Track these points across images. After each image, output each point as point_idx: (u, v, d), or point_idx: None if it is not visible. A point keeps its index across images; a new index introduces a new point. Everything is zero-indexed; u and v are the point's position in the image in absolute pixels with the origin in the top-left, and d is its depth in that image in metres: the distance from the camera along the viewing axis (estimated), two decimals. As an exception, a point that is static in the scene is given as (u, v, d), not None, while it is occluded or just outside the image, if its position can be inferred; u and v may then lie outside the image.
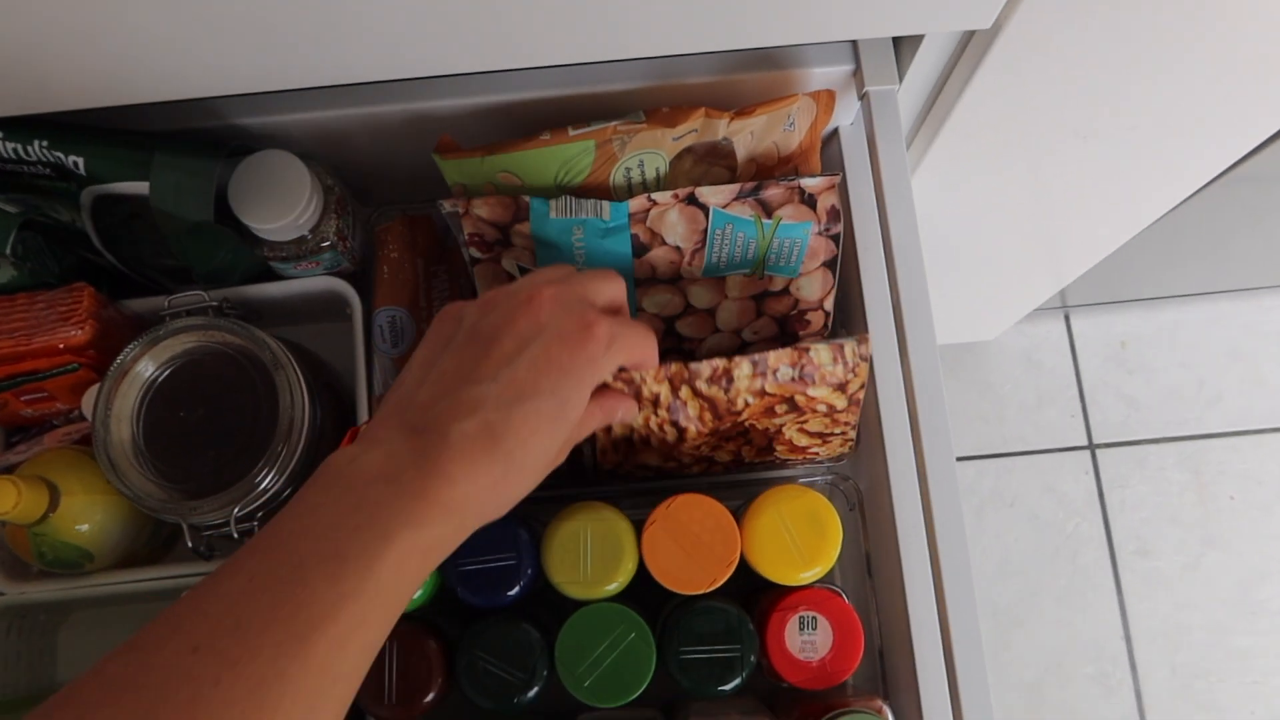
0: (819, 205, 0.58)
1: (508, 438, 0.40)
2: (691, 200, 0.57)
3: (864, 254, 0.61)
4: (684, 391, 0.53)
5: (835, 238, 0.59)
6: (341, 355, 0.67)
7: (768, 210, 0.57)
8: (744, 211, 0.57)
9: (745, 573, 0.54)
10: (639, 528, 0.53)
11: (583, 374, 0.43)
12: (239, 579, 0.35)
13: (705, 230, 0.57)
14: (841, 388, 0.54)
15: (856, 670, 0.58)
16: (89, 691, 0.32)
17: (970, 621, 0.55)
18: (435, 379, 0.43)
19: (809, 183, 0.57)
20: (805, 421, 0.56)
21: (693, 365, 0.52)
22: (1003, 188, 0.78)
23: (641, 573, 0.52)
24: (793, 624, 0.52)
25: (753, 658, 0.51)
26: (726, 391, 0.53)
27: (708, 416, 0.54)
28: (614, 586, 0.51)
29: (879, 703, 0.54)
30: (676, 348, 0.57)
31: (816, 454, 0.59)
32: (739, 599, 0.60)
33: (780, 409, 0.54)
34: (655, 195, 0.56)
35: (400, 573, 0.37)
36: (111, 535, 0.58)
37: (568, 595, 0.51)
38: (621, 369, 0.51)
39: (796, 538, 0.51)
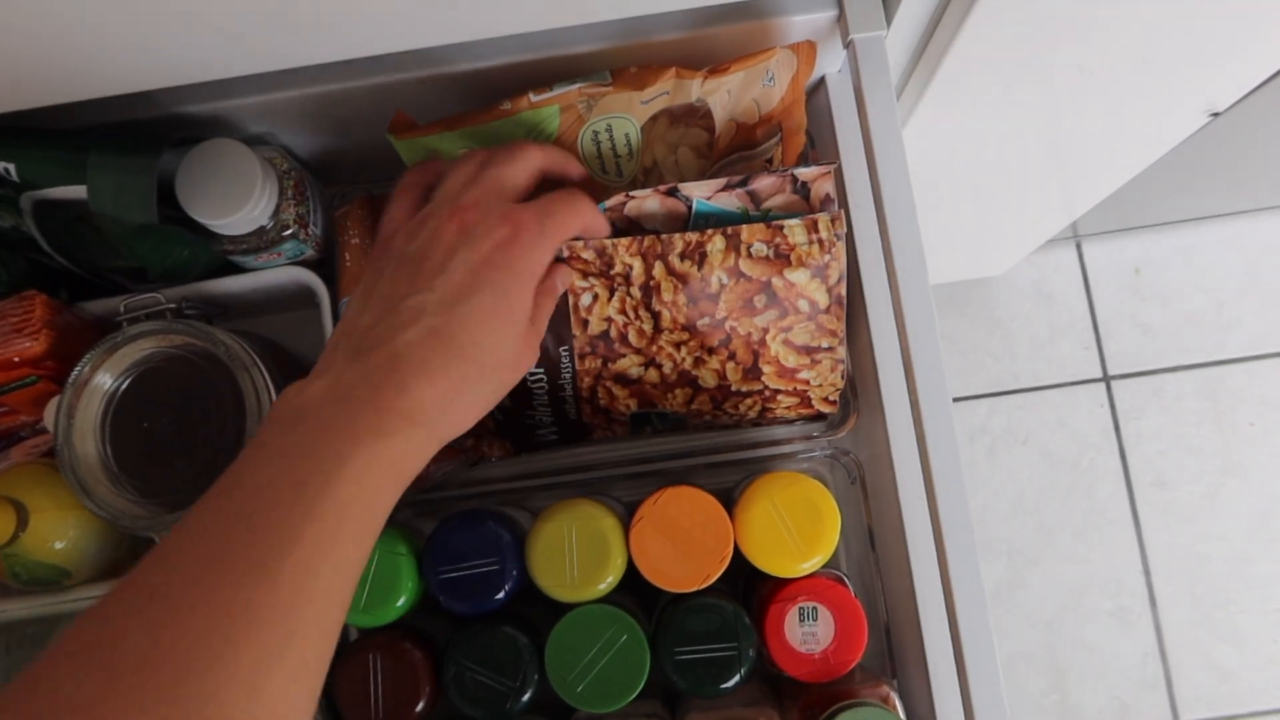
0: (813, 194, 0.54)
1: (456, 336, 0.40)
2: (672, 193, 0.53)
3: (857, 210, 0.57)
4: (657, 269, 0.52)
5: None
6: (313, 344, 0.64)
7: (756, 201, 0.53)
8: (730, 203, 0.53)
9: (740, 560, 0.51)
10: (627, 523, 0.50)
11: (519, 265, 0.43)
12: (193, 526, 0.35)
13: (687, 221, 0.54)
14: (821, 275, 0.52)
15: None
16: (49, 667, 0.31)
17: (976, 593, 0.52)
18: (374, 304, 0.43)
19: (803, 172, 0.53)
20: (789, 329, 0.54)
21: (664, 237, 0.51)
22: (1006, 127, 0.74)
23: (632, 569, 0.50)
24: (793, 615, 0.50)
25: (751, 653, 0.49)
26: (700, 267, 0.52)
27: (682, 301, 0.52)
28: (603, 587, 0.49)
29: (885, 689, 0.52)
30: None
31: (806, 383, 0.56)
32: (735, 588, 0.58)
33: (760, 301, 0.52)
34: (634, 193, 0.53)
35: (364, 486, 0.36)
36: (88, 550, 0.57)
37: (556, 599, 0.49)
38: (583, 240, 0.51)
39: (792, 527, 0.49)
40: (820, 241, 0.52)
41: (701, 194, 0.52)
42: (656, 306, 0.53)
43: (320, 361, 0.42)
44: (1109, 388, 1.25)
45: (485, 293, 0.42)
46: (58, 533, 0.55)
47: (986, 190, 0.91)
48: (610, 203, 0.52)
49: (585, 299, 0.53)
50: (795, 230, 0.52)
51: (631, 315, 0.54)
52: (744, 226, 0.52)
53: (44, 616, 0.60)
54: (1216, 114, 0.71)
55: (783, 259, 0.53)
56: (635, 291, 0.53)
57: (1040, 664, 1.19)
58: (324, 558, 0.34)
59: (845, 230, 0.53)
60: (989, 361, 1.26)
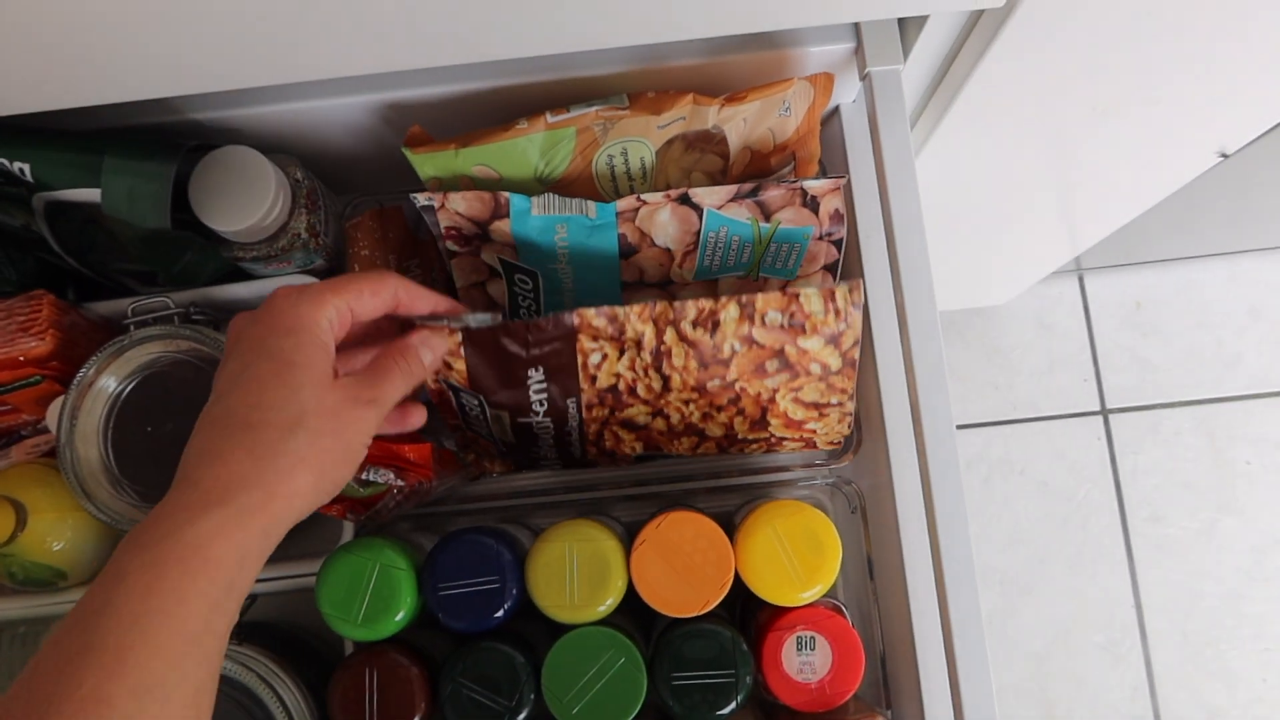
0: (821, 209, 0.54)
1: (236, 411, 0.39)
2: (684, 200, 0.53)
3: (865, 241, 0.58)
4: (669, 335, 0.51)
5: (838, 243, 0.55)
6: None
7: (766, 213, 0.53)
8: (740, 214, 0.53)
9: (738, 586, 0.51)
10: (628, 546, 0.50)
11: (281, 323, 0.41)
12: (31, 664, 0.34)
13: (698, 233, 0.54)
14: (834, 341, 0.52)
15: (858, 680, 0.57)
16: None
17: (974, 626, 0.52)
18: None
19: (812, 185, 0.54)
20: (799, 389, 0.53)
21: (677, 304, 0.50)
22: (1015, 160, 0.74)
23: (630, 591, 0.50)
24: (790, 644, 0.50)
25: (748, 681, 0.49)
26: (712, 335, 0.51)
27: (693, 365, 0.51)
28: (603, 609, 0.49)
29: (879, 719, 0.52)
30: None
31: (813, 432, 0.56)
32: (732, 613, 0.58)
33: (771, 366, 0.52)
34: (645, 195, 0.53)
35: (156, 593, 0.35)
36: (85, 553, 0.56)
37: (554, 620, 0.49)
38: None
39: (793, 557, 0.49)
40: (836, 311, 0.51)
41: (713, 202, 0.52)
42: (667, 370, 0.52)
43: None
44: (1107, 421, 1.25)
45: (257, 362, 0.40)
46: (56, 534, 0.55)
47: (992, 221, 0.91)
48: (621, 206, 0.52)
49: (594, 358, 0.52)
50: (812, 299, 0.51)
51: (640, 374, 0.53)
52: (759, 295, 0.51)
53: (37, 617, 0.60)
54: (1226, 155, 0.71)
55: (797, 328, 0.52)
56: (645, 355, 0.52)
57: (1030, 696, 1.19)
58: (115, 679, 0.33)
59: (862, 300, 0.52)
60: (988, 390, 1.26)
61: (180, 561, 0.35)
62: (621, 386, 0.53)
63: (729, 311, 0.50)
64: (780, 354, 0.51)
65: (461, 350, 0.51)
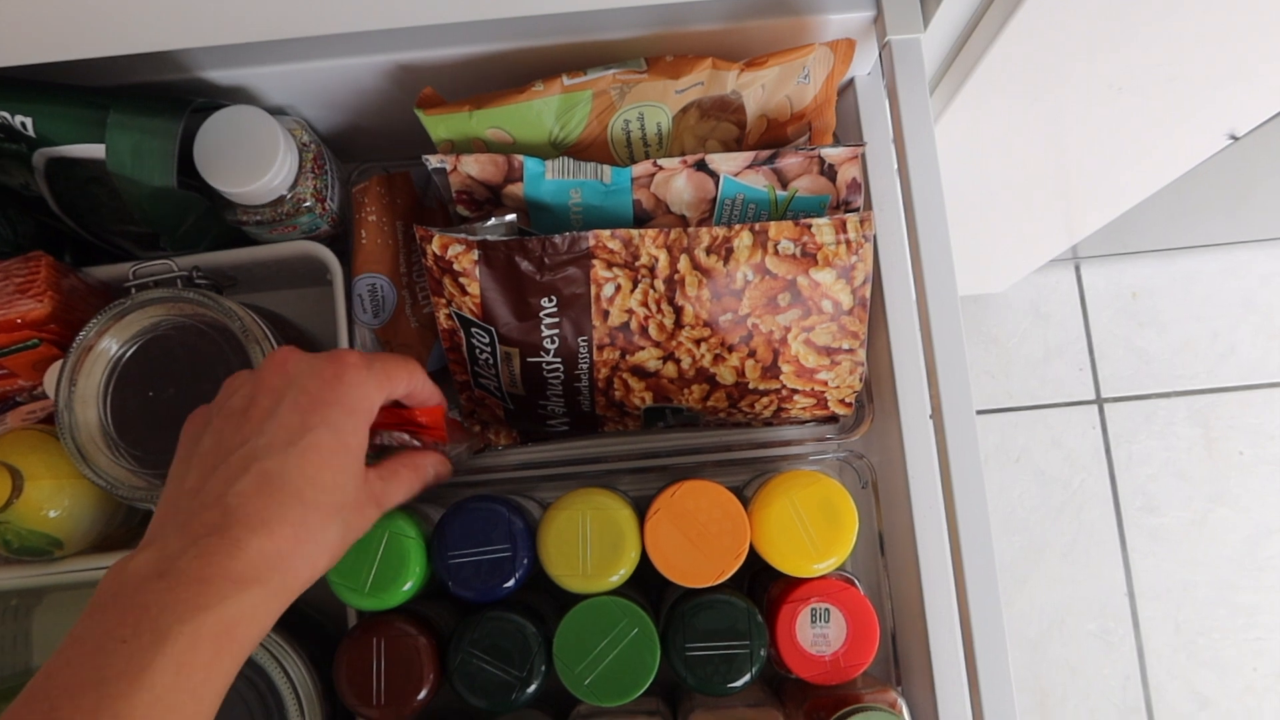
0: (839, 177, 0.54)
1: (292, 478, 0.38)
2: (700, 167, 0.52)
3: (880, 214, 0.57)
4: (683, 262, 0.51)
5: (854, 212, 0.54)
6: (322, 321, 0.63)
7: (783, 181, 0.53)
8: (757, 181, 0.53)
9: (750, 558, 0.51)
10: (641, 515, 0.49)
11: (349, 400, 0.41)
12: None
13: (714, 200, 0.53)
14: (847, 276, 0.52)
15: (868, 656, 0.56)
16: None
17: (992, 606, 0.52)
18: (199, 462, 0.40)
19: (829, 152, 0.53)
20: (811, 329, 0.53)
21: (691, 230, 0.51)
22: (1024, 141, 0.74)
23: (645, 561, 0.49)
24: (804, 616, 0.49)
25: (762, 653, 0.48)
26: (725, 262, 0.51)
27: (705, 296, 0.52)
28: (615, 579, 0.48)
29: (893, 695, 0.52)
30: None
31: (825, 385, 0.56)
32: (742, 585, 0.57)
33: (784, 300, 0.52)
34: (661, 160, 0.52)
35: (185, 670, 0.33)
36: (82, 521, 0.55)
37: (566, 589, 0.48)
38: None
39: (810, 527, 0.48)
40: (848, 242, 0.52)
41: (729, 168, 0.52)
42: (679, 300, 0.52)
43: (148, 531, 0.39)
44: (1102, 410, 1.26)
45: (319, 430, 0.39)
46: (52, 501, 0.54)
47: (996, 204, 0.91)
48: (637, 171, 0.52)
49: (608, 289, 0.53)
50: (823, 229, 0.52)
51: (653, 308, 0.53)
52: (771, 224, 0.52)
53: (31, 589, 0.59)
54: (1236, 137, 0.71)
55: (809, 258, 0.52)
56: (659, 284, 0.52)
57: (1024, 683, 1.19)
58: None
59: (873, 232, 0.53)
60: (984, 378, 1.26)
61: (216, 640, 0.34)
62: (633, 325, 0.53)
63: (742, 239, 0.51)
64: (793, 286, 0.52)
65: (476, 271, 0.50)
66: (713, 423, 0.60)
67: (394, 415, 0.48)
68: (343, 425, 0.40)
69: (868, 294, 0.54)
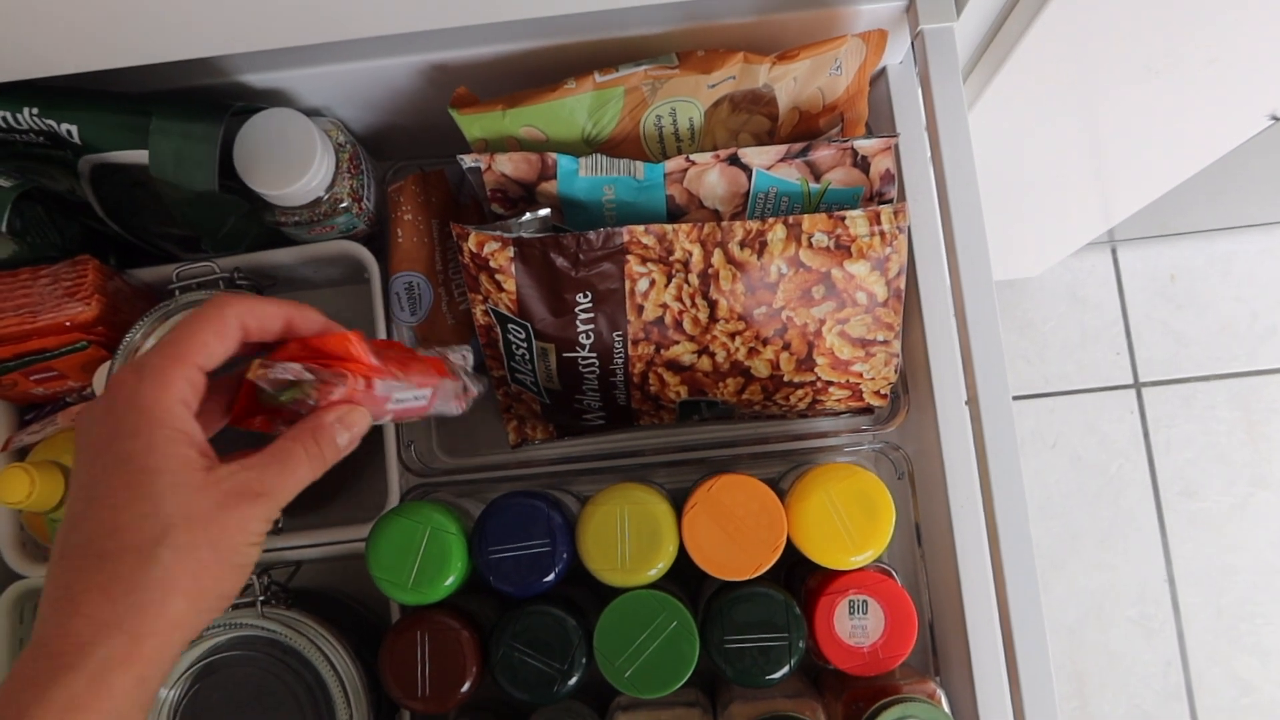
0: (872, 169, 0.53)
1: (94, 539, 0.34)
2: (733, 161, 0.52)
3: (914, 204, 0.57)
4: (716, 256, 0.51)
5: (888, 204, 0.54)
6: (361, 320, 0.64)
7: (816, 173, 0.53)
8: (790, 174, 0.53)
9: (787, 551, 0.51)
10: (678, 509, 0.50)
11: (126, 424, 0.35)
12: None
13: (747, 194, 0.53)
14: (881, 268, 0.52)
15: (906, 647, 0.56)
16: None
17: (1031, 595, 0.52)
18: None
19: (862, 144, 0.53)
20: (846, 320, 0.53)
21: (725, 224, 0.51)
22: (1059, 127, 0.73)
23: (682, 555, 0.50)
24: (842, 608, 0.49)
25: (801, 645, 0.48)
26: (760, 256, 0.51)
27: (740, 290, 0.52)
28: (654, 573, 0.49)
29: (932, 686, 0.52)
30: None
31: (860, 376, 0.56)
32: (783, 576, 0.58)
33: (818, 292, 0.52)
34: (694, 155, 0.52)
35: None
36: (131, 518, 0.56)
37: (605, 583, 0.49)
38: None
39: (846, 520, 0.48)
40: (882, 234, 0.52)
41: (762, 162, 0.52)
42: (714, 294, 0.53)
43: None
44: (1139, 394, 1.24)
45: (105, 476, 0.35)
46: (104, 499, 0.55)
47: (1030, 190, 0.90)
48: (670, 166, 0.52)
49: (642, 284, 0.53)
50: (857, 222, 0.52)
51: (688, 303, 0.53)
52: (805, 217, 0.52)
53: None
54: (1278, 118, 0.70)
55: (843, 250, 0.52)
56: (693, 279, 0.52)
57: (1061, 670, 1.19)
58: None
59: (907, 223, 0.53)
60: (1020, 364, 1.25)
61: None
62: (668, 320, 0.53)
63: (776, 232, 0.51)
64: (827, 278, 0.52)
65: (512, 268, 0.51)
66: (747, 416, 0.60)
67: (299, 345, 0.41)
68: (128, 451, 0.35)
69: (902, 285, 0.54)
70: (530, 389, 0.59)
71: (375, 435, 0.60)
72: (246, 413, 0.41)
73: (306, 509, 0.57)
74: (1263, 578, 1.20)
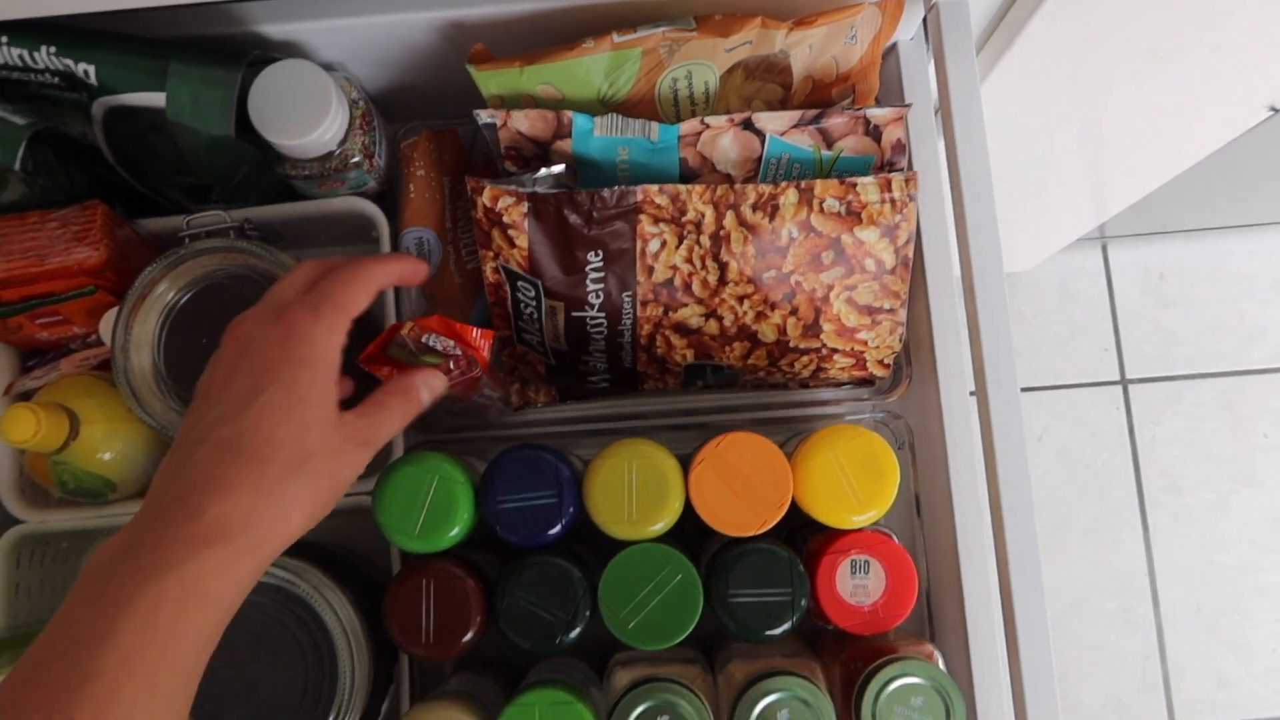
0: (884, 138, 0.54)
1: (247, 441, 0.39)
2: (747, 125, 0.53)
3: (921, 179, 0.57)
4: (729, 219, 0.52)
5: (899, 172, 0.55)
6: (367, 280, 0.63)
7: (828, 141, 0.53)
8: (803, 141, 0.53)
9: (791, 512, 0.51)
10: (685, 466, 0.50)
11: (299, 354, 0.41)
12: None
13: (759, 159, 0.54)
14: (890, 235, 0.53)
15: (902, 613, 0.57)
16: None
17: (1032, 567, 0.53)
18: (173, 449, 0.41)
19: (875, 113, 0.54)
20: (854, 287, 0.54)
21: (738, 187, 0.52)
22: (1062, 111, 0.74)
23: (687, 511, 0.50)
24: (844, 567, 0.50)
25: (804, 601, 0.49)
26: (771, 219, 0.52)
27: (750, 253, 0.53)
28: (660, 527, 0.49)
29: (929, 648, 0.52)
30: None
31: (865, 344, 0.57)
32: (786, 538, 0.58)
33: (828, 257, 0.53)
34: (709, 119, 0.53)
35: (153, 627, 0.35)
36: (135, 464, 0.56)
37: (611, 536, 0.49)
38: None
39: (852, 479, 0.49)
40: (893, 201, 0.53)
41: (775, 128, 0.53)
42: (724, 257, 0.53)
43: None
44: (1126, 391, 1.26)
45: (270, 390, 0.40)
46: (107, 444, 0.55)
47: (1027, 179, 0.91)
48: (685, 129, 0.52)
49: (653, 245, 0.53)
50: (869, 188, 0.52)
51: (698, 265, 0.54)
52: (817, 181, 0.52)
53: (82, 530, 0.60)
54: (1277, 109, 0.71)
55: (854, 216, 0.53)
56: (704, 240, 0.53)
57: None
58: (107, 713, 0.34)
59: (918, 192, 0.53)
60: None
61: (181, 599, 0.36)
62: (677, 281, 0.53)
63: (788, 196, 0.52)
64: (837, 244, 0.52)
65: (525, 224, 0.51)
66: (751, 383, 0.61)
67: (444, 324, 0.48)
68: (296, 379, 0.40)
69: (910, 254, 0.54)
70: (536, 350, 0.59)
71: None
72: (371, 359, 0.48)
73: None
74: (1243, 575, 1.22)
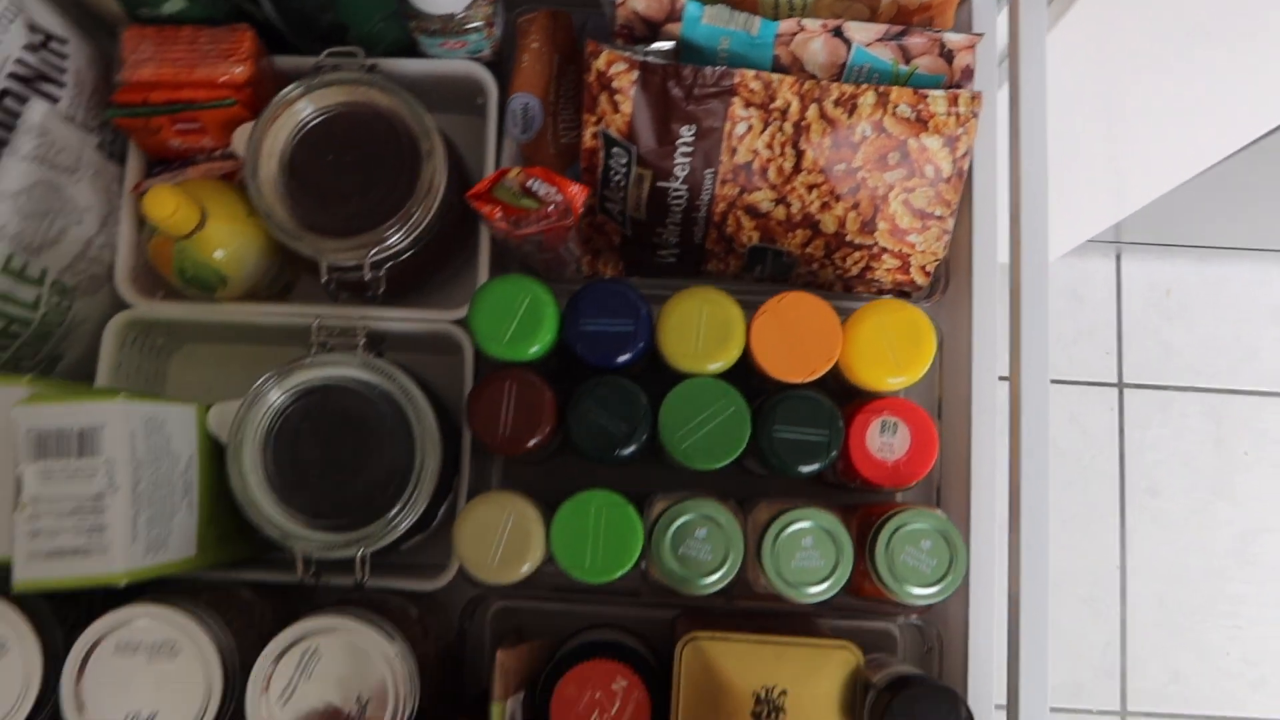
0: (955, 62, 0.61)
1: None
2: (837, 33, 0.59)
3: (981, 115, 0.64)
4: (811, 111, 0.59)
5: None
6: (471, 140, 0.69)
7: (906, 57, 0.60)
8: (884, 54, 0.60)
9: (835, 380, 0.58)
10: (749, 319, 0.56)
11: None
12: None
13: (843, 65, 0.60)
14: (951, 145, 0.60)
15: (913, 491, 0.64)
16: None
17: (1041, 458, 0.60)
18: None
19: (951, 38, 0.60)
20: (912, 190, 0.60)
21: (824, 82, 0.58)
22: (1103, 87, 0.81)
23: (742, 364, 0.56)
24: (875, 426, 0.56)
25: (837, 445, 0.55)
26: (849, 115, 0.59)
27: (826, 144, 0.59)
28: (719, 365, 0.55)
29: (939, 510, 0.59)
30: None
31: (912, 247, 0.63)
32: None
33: (893, 158, 0.59)
34: (805, 20, 0.59)
35: None
36: (246, 264, 0.62)
37: (676, 368, 0.55)
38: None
39: (894, 344, 0.55)
40: (957, 115, 0.59)
41: (862, 38, 0.59)
42: (803, 145, 0.60)
43: None
44: (1121, 394, 1.33)
45: None
46: (226, 241, 0.61)
47: (1055, 157, 0.98)
48: (782, 27, 0.59)
49: (740, 128, 0.60)
50: (938, 100, 0.59)
51: (777, 151, 0.60)
52: (894, 88, 0.59)
53: (180, 322, 0.66)
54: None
55: (921, 124, 0.59)
56: (787, 128, 0.59)
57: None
58: None
59: (980, 110, 0.60)
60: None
61: None
62: (756, 165, 0.60)
63: (867, 97, 0.58)
64: (903, 146, 0.59)
65: (631, 90, 0.58)
66: (800, 279, 0.67)
67: (544, 172, 0.56)
68: None
69: (965, 167, 0.61)
70: (615, 219, 0.65)
71: (471, 236, 0.66)
72: (477, 196, 0.57)
73: (401, 292, 0.63)
74: (1209, 581, 1.29)
